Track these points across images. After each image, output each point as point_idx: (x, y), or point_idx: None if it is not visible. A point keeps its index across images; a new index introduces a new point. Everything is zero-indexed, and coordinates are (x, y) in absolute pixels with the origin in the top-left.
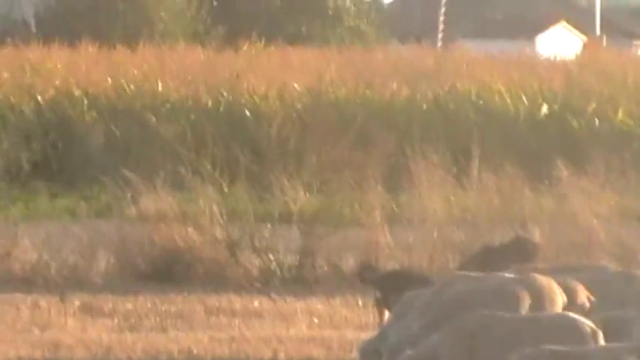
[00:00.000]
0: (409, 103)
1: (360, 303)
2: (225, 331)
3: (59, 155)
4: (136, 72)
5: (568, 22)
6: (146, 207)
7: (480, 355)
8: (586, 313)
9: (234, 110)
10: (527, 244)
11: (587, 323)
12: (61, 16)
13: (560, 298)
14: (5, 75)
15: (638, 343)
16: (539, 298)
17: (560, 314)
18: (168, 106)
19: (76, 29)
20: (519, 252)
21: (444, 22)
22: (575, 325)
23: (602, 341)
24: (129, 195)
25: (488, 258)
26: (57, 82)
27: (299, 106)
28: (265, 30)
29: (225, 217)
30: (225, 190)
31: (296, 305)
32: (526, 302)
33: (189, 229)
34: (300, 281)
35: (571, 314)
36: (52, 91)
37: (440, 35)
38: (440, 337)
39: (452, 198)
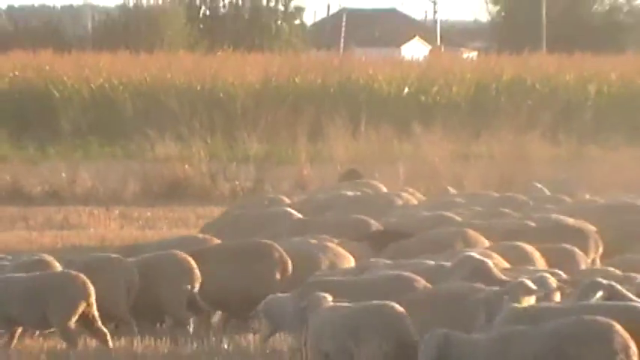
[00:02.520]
0: (322, 87)
1: None
2: None
3: (104, 120)
4: (151, 68)
5: (420, 37)
6: None
7: None
8: None
9: (214, 94)
10: (354, 173)
11: None
12: (107, 32)
13: None
14: (73, 72)
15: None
16: None
17: None
18: (173, 89)
19: (116, 41)
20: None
21: (344, 37)
22: None
23: None
24: None
25: None
26: (104, 75)
27: (253, 89)
28: (232, 42)
29: None
30: None
31: None
32: None
33: None
34: None
35: None
36: (100, 81)
37: (341, 45)
38: None
39: (349, 146)
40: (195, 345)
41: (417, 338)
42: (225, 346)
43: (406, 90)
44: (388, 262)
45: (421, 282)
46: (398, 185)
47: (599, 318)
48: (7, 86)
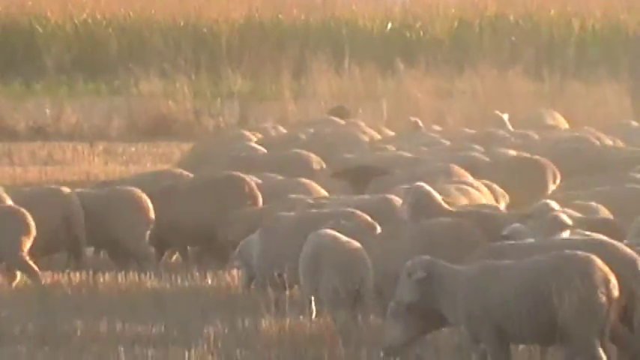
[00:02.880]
0: (306, 24)
1: None
2: None
3: (88, 57)
4: (135, 5)
5: None
6: None
7: None
8: None
9: (197, 30)
10: (342, 110)
11: None
12: None
13: None
14: (56, 8)
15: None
16: None
17: None
18: (157, 25)
19: None
20: (339, 115)
21: None
22: None
23: None
24: None
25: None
26: (87, 11)
27: (237, 26)
28: None
29: None
30: None
31: None
32: None
33: None
34: None
35: None
36: (84, 17)
37: None
38: None
39: (333, 82)
40: (179, 280)
41: (370, 281)
42: (210, 281)
43: (389, 26)
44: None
45: (363, 217)
46: (381, 121)
47: (579, 252)
48: None
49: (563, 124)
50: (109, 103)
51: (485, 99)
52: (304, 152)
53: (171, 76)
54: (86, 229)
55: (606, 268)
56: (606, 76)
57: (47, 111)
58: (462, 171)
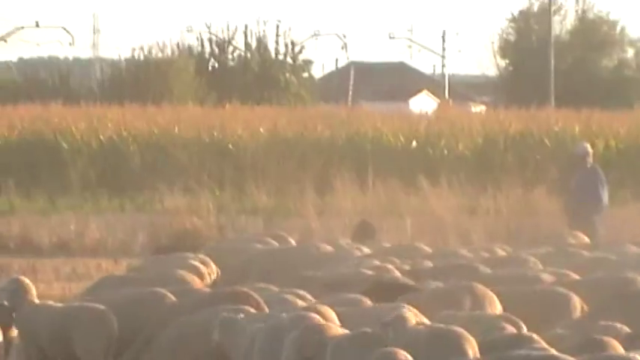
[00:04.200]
0: (331, 140)
1: None
2: None
3: (113, 172)
4: (160, 121)
5: (428, 90)
6: None
7: None
8: None
9: (222, 145)
10: (368, 226)
11: None
12: (116, 84)
13: None
14: (82, 124)
15: None
16: None
17: None
18: (181, 141)
19: (124, 95)
20: (365, 231)
21: (352, 90)
22: None
23: None
24: None
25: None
26: (112, 127)
27: (262, 142)
28: (241, 95)
29: None
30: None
31: None
32: None
33: None
34: None
35: None
36: (109, 133)
37: (349, 99)
38: None
39: (357, 199)
40: None
41: None
42: None
43: (414, 143)
44: None
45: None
46: (406, 239)
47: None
48: (16, 138)
49: (586, 242)
50: (133, 219)
51: (509, 217)
52: (178, 271)
53: (195, 192)
54: None
55: None
56: (632, 196)
57: (72, 227)
58: (486, 290)
